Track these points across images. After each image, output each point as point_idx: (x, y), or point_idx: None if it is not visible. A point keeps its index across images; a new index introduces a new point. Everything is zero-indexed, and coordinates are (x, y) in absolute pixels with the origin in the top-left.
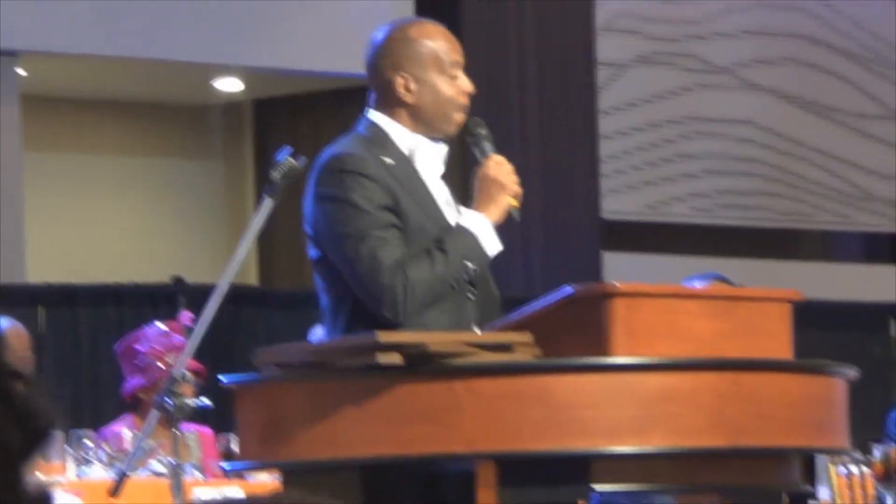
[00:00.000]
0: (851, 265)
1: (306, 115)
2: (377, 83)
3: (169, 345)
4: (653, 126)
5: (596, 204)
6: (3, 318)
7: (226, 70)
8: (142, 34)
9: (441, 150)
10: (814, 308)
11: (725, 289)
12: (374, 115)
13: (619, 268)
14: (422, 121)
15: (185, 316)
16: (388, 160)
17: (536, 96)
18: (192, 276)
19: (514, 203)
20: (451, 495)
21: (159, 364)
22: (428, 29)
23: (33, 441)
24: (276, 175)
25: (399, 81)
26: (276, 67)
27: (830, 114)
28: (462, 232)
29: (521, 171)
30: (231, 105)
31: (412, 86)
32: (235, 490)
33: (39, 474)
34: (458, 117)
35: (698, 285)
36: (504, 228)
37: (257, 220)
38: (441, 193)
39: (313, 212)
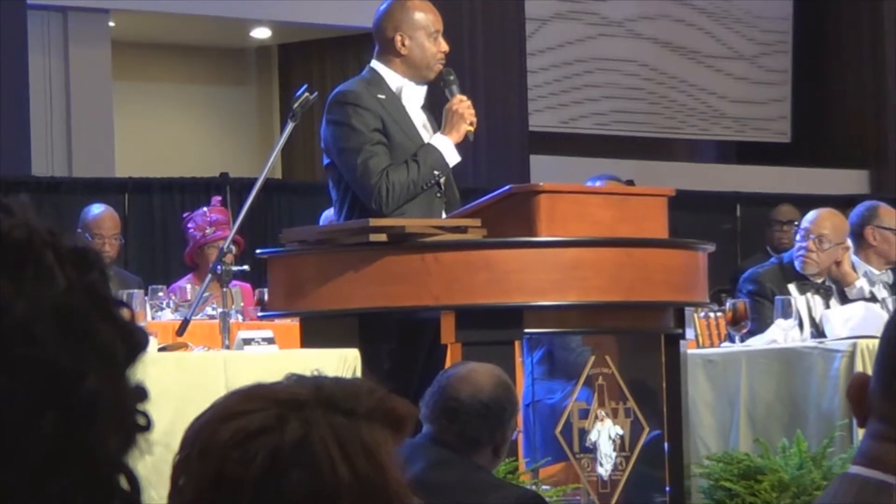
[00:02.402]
0: (709, 164)
1: (318, 56)
2: (381, 39)
3: (207, 220)
4: (566, 64)
5: (525, 120)
6: (99, 204)
7: (258, 22)
8: None
9: (422, 90)
10: (682, 197)
11: (619, 187)
12: (375, 64)
13: (542, 167)
14: (410, 68)
15: (214, 199)
16: (381, 96)
17: (482, 44)
18: (235, 172)
19: (471, 128)
20: (423, 336)
21: (200, 233)
22: (420, 3)
23: (134, 353)
24: (295, 105)
25: (397, 38)
26: (296, 20)
27: (693, 55)
28: (431, 148)
29: (471, 98)
30: (262, 48)
31: (406, 42)
32: (267, 331)
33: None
34: (437, 68)
35: (598, 184)
36: (461, 143)
37: (282, 137)
38: (420, 120)
39: (325, 131)
